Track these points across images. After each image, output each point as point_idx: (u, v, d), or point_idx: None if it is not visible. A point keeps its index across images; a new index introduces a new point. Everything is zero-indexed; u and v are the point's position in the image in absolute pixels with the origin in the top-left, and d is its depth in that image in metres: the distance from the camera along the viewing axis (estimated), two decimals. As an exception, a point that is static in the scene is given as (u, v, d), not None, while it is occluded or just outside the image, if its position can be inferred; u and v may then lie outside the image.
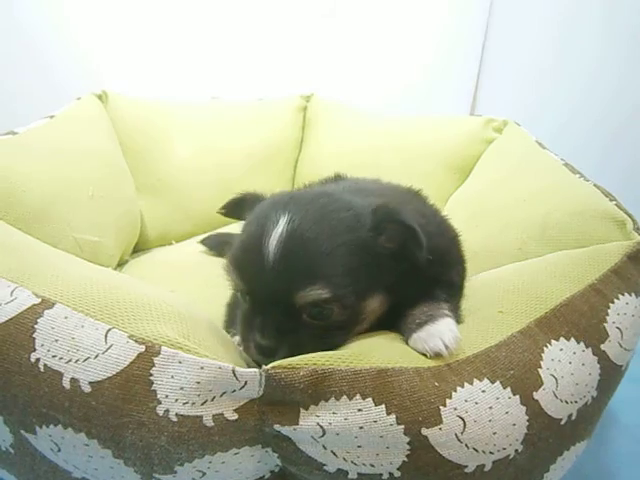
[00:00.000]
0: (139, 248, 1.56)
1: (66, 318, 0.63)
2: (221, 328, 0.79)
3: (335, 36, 2.16)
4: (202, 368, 0.58)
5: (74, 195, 1.13)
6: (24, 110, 1.52)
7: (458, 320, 0.78)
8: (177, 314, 0.67)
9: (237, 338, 0.76)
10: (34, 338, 0.61)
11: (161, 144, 1.62)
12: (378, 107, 2.04)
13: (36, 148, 1.14)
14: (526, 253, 1.07)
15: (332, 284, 0.66)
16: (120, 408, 0.58)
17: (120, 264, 1.36)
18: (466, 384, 0.64)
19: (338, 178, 1.14)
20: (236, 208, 0.87)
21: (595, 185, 1.08)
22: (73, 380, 0.59)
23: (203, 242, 1.37)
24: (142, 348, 0.60)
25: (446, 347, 0.68)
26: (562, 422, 0.69)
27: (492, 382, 0.65)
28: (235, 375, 0.58)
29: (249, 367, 0.60)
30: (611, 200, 1.00)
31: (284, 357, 0.62)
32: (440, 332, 0.70)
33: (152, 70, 1.97)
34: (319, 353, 0.62)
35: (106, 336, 0.61)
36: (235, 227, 1.67)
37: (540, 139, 1.40)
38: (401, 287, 0.75)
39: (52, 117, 1.30)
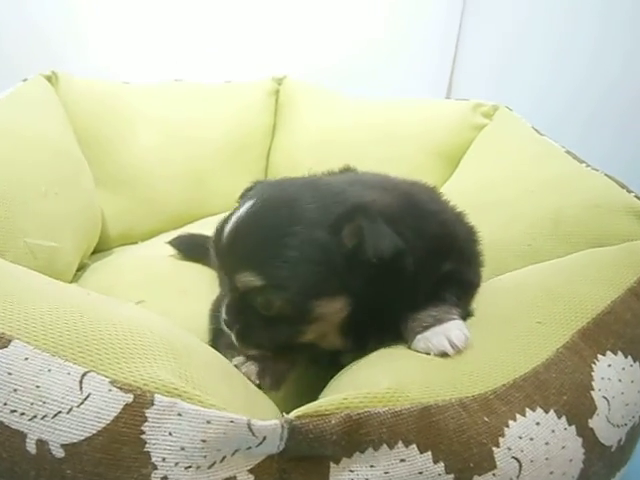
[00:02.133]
0: (99, 248, 1.39)
1: (27, 359, 0.49)
2: (222, 357, 0.66)
3: (307, 14, 2.01)
4: (209, 422, 0.46)
5: (24, 193, 0.96)
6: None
7: (465, 318, 0.72)
8: (169, 346, 0.54)
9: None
10: (-16, 389, 0.47)
11: (121, 131, 1.44)
12: (348, 90, 1.91)
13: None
14: (536, 250, 0.99)
15: (265, 273, 0.64)
16: (104, 477, 0.45)
17: (79, 268, 1.20)
18: (518, 416, 0.55)
19: (347, 170, 1.03)
20: None
21: (607, 175, 1.01)
22: (40, 442, 0.46)
23: (171, 243, 1.22)
24: (129, 397, 0.47)
25: (453, 346, 0.62)
26: (612, 449, 0.62)
27: (546, 411, 0.56)
28: (251, 429, 0.46)
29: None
30: (629, 192, 0.93)
31: (239, 334, 0.68)
32: (447, 330, 0.65)
33: (107, 49, 1.76)
34: (349, 393, 0.51)
35: (81, 382, 0.48)
36: (205, 223, 1.54)
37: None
38: (385, 292, 0.68)
39: (-6, 101, 1.12)
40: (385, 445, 0.49)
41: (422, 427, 0.51)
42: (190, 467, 0.46)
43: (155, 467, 0.46)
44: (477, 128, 1.49)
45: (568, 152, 1.16)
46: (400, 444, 0.50)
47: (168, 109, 1.56)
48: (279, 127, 1.81)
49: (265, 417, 0.48)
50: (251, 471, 0.48)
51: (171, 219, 1.52)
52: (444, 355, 0.62)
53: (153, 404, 0.47)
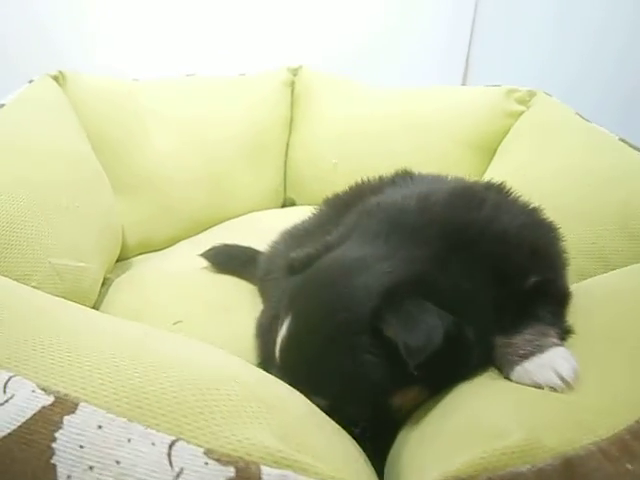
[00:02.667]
0: (118, 258, 1.31)
1: (100, 428, 0.41)
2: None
3: (320, 2, 1.91)
4: (331, 497, 0.39)
5: (44, 207, 0.86)
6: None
7: (565, 338, 0.64)
8: (260, 398, 0.46)
9: None
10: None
11: (133, 133, 1.34)
12: (362, 78, 1.82)
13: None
14: (602, 248, 0.92)
15: (329, 397, 0.60)
16: None
17: (102, 284, 1.11)
18: (659, 459, 0.48)
19: (403, 175, 0.93)
20: None
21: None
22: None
23: (205, 255, 1.12)
24: (231, 472, 0.39)
25: (562, 380, 0.55)
26: None
27: (687, 450, 0.49)
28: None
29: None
30: None
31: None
32: (552, 362, 0.57)
33: (115, 44, 1.65)
34: (485, 448, 0.43)
35: (169, 455, 0.40)
36: (225, 228, 1.45)
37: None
38: (455, 360, 0.61)
39: (1, 106, 1.02)
40: (531, 509, 0.42)
41: (567, 484, 0.43)
42: None
43: None
44: (511, 115, 1.41)
45: (622, 140, 1.08)
46: (547, 507, 0.42)
47: (181, 106, 1.47)
48: (297, 120, 1.71)
49: (366, 473, 0.41)
50: None
51: (191, 225, 1.43)
52: (553, 390, 0.54)
53: (260, 478, 0.39)
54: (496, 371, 0.63)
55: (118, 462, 0.40)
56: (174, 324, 0.92)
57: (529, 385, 0.57)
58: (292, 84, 1.71)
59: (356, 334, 0.59)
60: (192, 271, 1.09)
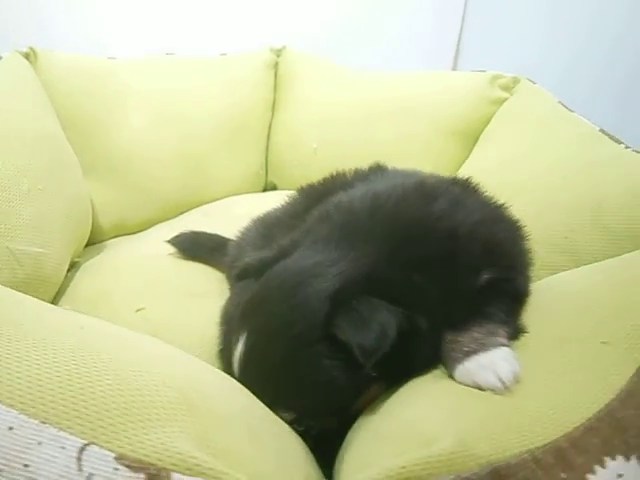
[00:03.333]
0: (91, 241, 1.29)
1: (11, 429, 0.40)
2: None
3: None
4: (242, 507, 0.38)
5: (3, 191, 0.85)
6: None
7: (516, 337, 0.64)
8: (185, 400, 0.45)
9: None
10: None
11: (108, 112, 1.31)
12: (348, 61, 1.78)
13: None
14: (573, 243, 0.91)
15: (291, 408, 0.60)
16: None
17: (70, 268, 1.09)
18: (597, 468, 0.47)
19: (377, 169, 0.93)
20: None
21: (651, 158, 0.91)
22: (32, 536, 0.37)
23: (172, 242, 1.10)
24: (141, 478, 0.38)
25: (501, 382, 0.54)
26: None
27: (627, 459, 0.48)
28: (294, 513, 0.38)
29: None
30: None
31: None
32: (493, 362, 0.57)
33: (93, 21, 1.60)
34: (410, 457, 0.42)
35: (79, 460, 0.39)
36: (203, 212, 1.43)
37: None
38: (411, 351, 0.61)
39: (-37, 85, 0.99)
40: (454, 520, 0.41)
41: (493, 493, 0.42)
42: None
43: None
44: (496, 102, 1.38)
45: (602, 131, 1.06)
46: (470, 517, 0.41)
47: (159, 86, 1.43)
48: (279, 103, 1.68)
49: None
50: None
51: (167, 207, 1.41)
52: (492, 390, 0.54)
53: (170, 486, 0.38)
54: (443, 369, 0.62)
55: (26, 465, 0.38)
56: (137, 311, 0.91)
57: (470, 385, 0.56)
58: (275, 65, 1.67)
59: (314, 344, 0.59)
60: (161, 257, 1.08)
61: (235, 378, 0.63)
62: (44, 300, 0.88)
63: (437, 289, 0.62)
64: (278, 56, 1.68)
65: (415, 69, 1.64)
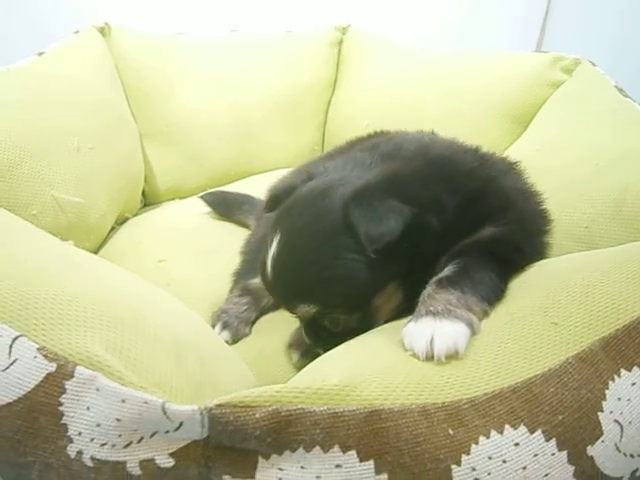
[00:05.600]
0: (149, 202, 1.43)
1: (-35, 318, 0.49)
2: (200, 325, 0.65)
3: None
4: (123, 401, 0.43)
5: (54, 148, 0.98)
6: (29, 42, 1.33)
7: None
8: (113, 316, 0.52)
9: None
10: None
11: (171, 85, 1.43)
12: (425, 44, 1.75)
13: (12, 91, 0.99)
14: (593, 234, 0.86)
15: (315, 300, 0.66)
16: (23, 444, 0.45)
17: (120, 223, 1.23)
18: (493, 432, 0.47)
19: (379, 135, 1.01)
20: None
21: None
22: (-34, 402, 0.46)
23: (203, 198, 1.21)
24: (52, 367, 0.45)
25: (428, 353, 0.53)
26: (624, 480, 0.51)
27: (531, 431, 0.47)
28: (166, 413, 0.43)
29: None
30: None
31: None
32: (436, 332, 0.55)
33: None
34: (288, 385, 0.45)
35: (11, 347, 0.47)
36: (252, 181, 1.51)
37: (619, 84, 1.12)
38: (423, 256, 0.67)
39: (41, 54, 1.15)
40: (318, 447, 0.43)
41: (366, 433, 0.44)
42: (105, 444, 0.44)
43: (71, 440, 0.44)
44: (554, 85, 1.29)
45: (655, 119, 0.97)
46: (336, 448, 0.44)
47: (222, 62, 1.53)
48: (340, 80, 1.70)
49: (227, 398, 0.44)
50: (172, 455, 0.44)
51: (220, 175, 1.51)
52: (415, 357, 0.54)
53: (74, 376, 0.45)
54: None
55: (-29, 346, 0.47)
56: (158, 262, 1.01)
57: (406, 346, 0.56)
58: (340, 43, 1.70)
59: (334, 237, 0.65)
60: (192, 216, 1.17)
61: (268, 280, 0.70)
62: (87, 248, 1.01)
63: (450, 211, 0.68)
64: (343, 34, 1.70)
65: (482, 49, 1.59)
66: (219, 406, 0.43)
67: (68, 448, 0.44)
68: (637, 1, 1.61)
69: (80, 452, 0.44)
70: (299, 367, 0.73)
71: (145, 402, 0.43)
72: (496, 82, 1.40)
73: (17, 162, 0.90)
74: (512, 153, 1.22)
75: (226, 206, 1.18)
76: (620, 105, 1.03)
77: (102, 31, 1.33)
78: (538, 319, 0.57)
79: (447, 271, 0.65)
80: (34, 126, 0.96)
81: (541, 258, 0.80)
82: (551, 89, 1.30)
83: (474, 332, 0.57)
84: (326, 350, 0.66)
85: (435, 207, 0.67)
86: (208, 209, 1.22)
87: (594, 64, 1.23)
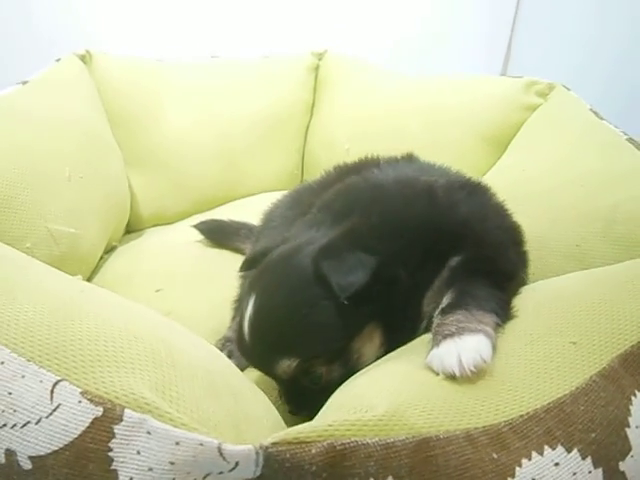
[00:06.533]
0: (132, 229, 1.40)
1: (2, 364, 0.47)
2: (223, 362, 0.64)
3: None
4: (178, 444, 0.43)
5: (46, 178, 0.95)
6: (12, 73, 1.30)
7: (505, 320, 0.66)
8: (151, 354, 0.51)
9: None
10: (-43, 392, 0.46)
11: (153, 111, 1.42)
12: (397, 66, 1.81)
13: (1, 122, 0.96)
14: (585, 252, 0.89)
15: (295, 352, 0.67)
16: (70, 494, 0.43)
17: (107, 251, 1.20)
18: (534, 454, 0.48)
19: (409, 158, 1.03)
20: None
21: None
22: (9, 452, 0.44)
23: (197, 227, 1.21)
24: (99, 411, 0.44)
25: (462, 370, 0.55)
26: (649, 492, 0.54)
27: (568, 450, 0.49)
28: (222, 454, 0.42)
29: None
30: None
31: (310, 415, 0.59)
32: (462, 349, 0.57)
33: (144, 26, 1.74)
34: (339, 417, 0.46)
35: (52, 392, 0.46)
36: (239, 206, 1.51)
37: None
38: (398, 299, 0.70)
39: (25, 83, 1.12)
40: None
41: (417, 462, 0.45)
42: (158, 489, 0.43)
43: (122, 487, 0.43)
44: (530, 109, 1.36)
45: (630, 140, 1.03)
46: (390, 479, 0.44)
47: (202, 87, 1.54)
48: (318, 105, 1.74)
49: (254, 435, 0.45)
50: (225, 496, 0.44)
51: (203, 201, 1.50)
52: (453, 378, 0.55)
53: (122, 420, 0.44)
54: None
55: (10, 393, 0.46)
56: (156, 291, 0.99)
57: (436, 370, 0.58)
58: (316, 68, 1.73)
59: (306, 288, 0.68)
60: (186, 243, 1.16)
61: (245, 342, 0.71)
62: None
63: (418, 255, 0.71)
64: (319, 59, 1.74)
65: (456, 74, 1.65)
66: (274, 444, 0.43)
67: (119, 495, 0.43)
68: (601, 26, 1.72)
69: (132, 498, 0.43)
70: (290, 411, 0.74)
71: (201, 444, 0.42)
72: (474, 106, 1.46)
73: (12, 195, 0.88)
74: (496, 175, 1.28)
75: (222, 233, 1.18)
76: (598, 127, 1.09)
77: (83, 59, 1.31)
78: (557, 339, 0.60)
79: (446, 300, 0.68)
80: (26, 157, 0.94)
81: (524, 267, 0.85)
82: (527, 112, 1.36)
83: (493, 342, 0.60)
84: (309, 412, 0.67)
85: (396, 257, 0.70)
86: (199, 237, 1.20)
87: (568, 88, 1.30)
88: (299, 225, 0.86)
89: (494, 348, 0.60)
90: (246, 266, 0.86)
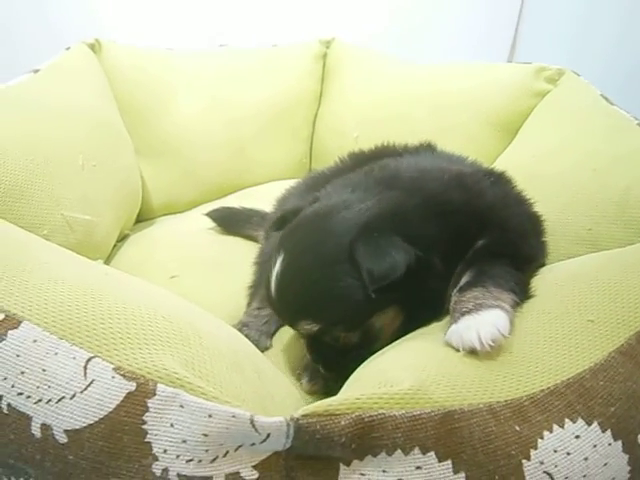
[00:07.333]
0: (143, 218, 1.41)
1: (35, 342, 0.48)
2: (242, 340, 0.66)
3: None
4: (210, 416, 0.44)
5: (61, 166, 0.96)
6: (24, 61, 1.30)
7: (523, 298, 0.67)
8: (179, 332, 0.52)
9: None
10: (-6, 368, 0.47)
11: (163, 100, 1.42)
12: (404, 54, 1.80)
13: (13, 110, 0.97)
14: (597, 235, 0.90)
15: (317, 318, 0.69)
16: (105, 465, 0.44)
17: (120, 239, 1.21)
18: (555, 427, 0.50)
19: (427, 148, 1.04)
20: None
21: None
22: (44, 426, 0.46)
23: (210, 215, 1.21)
24: (132, 386, 0.46)
25: (480, 343, 0.56)
26: (667, 466, 0.55)
27: (588, 423, 0.50)
28: (254, 426, 0.44)
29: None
30: None
31: (326, 368, 0.73)
32: (480, 324, 0.59)
33: (153, 15, 1.73)
34: (367, 392, 0.47)
35: (85, 368, 0.47)
36: (248, 194, 1.52)
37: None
38: (424, 285, 0.70)
39: (36, 71, 1.12)
40: (400, 450, 0.45)
41: (443, 434, 0.46)
42: (192, 460, 0.44)
43: (156, 458, 0.44)
44: (539, 95, 1.36)
45: (640, 124, 1.04)
46: (417, 450, 0.45)
47: (211, 76, 1.53)
48: (326, 93, 1.73)
49: (278, 412, 0.46)
50: (255, 467, 0.45)
51: (213, 190, 1.50)
52: (473, 352, 0.56)
53: (155, 394, 0.45)
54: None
55: (44, 370, 0.47)
56: (170, 278, 1.00)
57: (456, 346, 0.58)
58: (324, 56, 1.73)
59: (338, 263, 0.68)
60: (199, 231, 1.17)
61: (272, 298, 0.73)
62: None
63: (448, 245, 0.71)
64: (327, 47, 1.73)
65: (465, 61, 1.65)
66: (305, 416, 0.44)
67: (153, 466, 0.44)
68: (606, 12, 1.71)
69: (166, 470, 0.44)
70: (309, 391, 0.77)
71: (233, 416, 0.44)
72: (482, 92, 1.45)
73: (27, 183, 0.88)
74: (506, 161, 1.28)
75: (235, 220, 1.19)
76: (608, 112, 1.09)
77: (93, 48, 1.32)
78: (575, 317, 0.61)
79: (465, 279, 0.69)
80: (40, 145, 0.95)
81: (544, 256, 0.86)
82: (536, 98, 1.36)
83: (510, 317, 0.61)
84: (326, 367, 0.74)
85: (433, 243, 0.70)
86: (211, 224, 1.21)
87: (577, 74, 1.30)
88: (333, 186, 0.85)
89: (512, 323, 0.61)
90: (276, 225, 0.84)
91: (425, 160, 0.98)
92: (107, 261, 1.11)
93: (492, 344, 0.56)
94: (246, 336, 0.90)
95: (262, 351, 0.90)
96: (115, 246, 1.17)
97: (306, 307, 0.70)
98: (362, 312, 0.69)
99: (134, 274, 1.00)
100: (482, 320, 0.60)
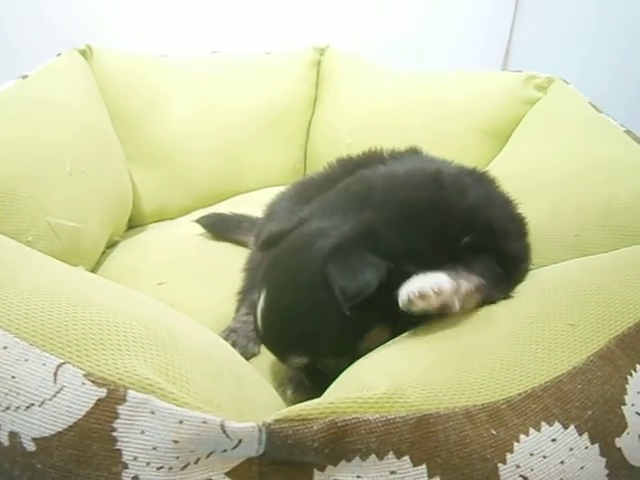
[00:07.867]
0: (134, 224, 1.41)
1: (6, 348, 0.48)
2: (223, 343, 0.65)
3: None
4: (181, 422, 0.43)
5: (48, 172, 0.96)
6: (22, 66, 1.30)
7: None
8: (153, 337, 0.51)
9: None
10: (-39, 376, 0.47)
11: (156, 106, 1.42)
12: (398, 62, 1.81)
13: (2, 116, 0.97)
14: (584, 241, 0.90)
15: (305, 351, 0.70)
16: (74, 473, 0.44)
17: (110, 246, 1.21)
18: (532, 430, 0.49)
19: (413, 152, 1.04)
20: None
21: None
22: (12, 434, 0.45)
23: (200, 222, 1.21)
24: (103, 392, 0.45)
25: (421, 292, 0.60)
26: (645, 470, 0.54)
27: (565, 427, 0.50)
28: (225, 431, 0.43)
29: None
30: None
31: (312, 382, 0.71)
32: (418, 280, 0.62)
33: (148, 22, 1.74)
34: (341, 396, 0.47)
35: (55, 375, 0.46)
36: (240, 201, 1.51)
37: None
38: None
39: (25, 77, 1.13)
40: (374, 455, 0.45)
41: (417, 438, 0.46)
42: (162, 468, 0.43)
43: (126, 466, 0.44)
44: (529, 102, 1.37)
45: (628, 132, 1.04)
46: (391, 455, 0.45)
47: (205, 82, 1.53)
48: (320, 100, 1.74)
49: (257, 417, 0.45)
50: (228, 474, 0.44)
51: (205, 196, 1.50)
52: (425, 300, 0.59)
53: (126, 400, 0.45)
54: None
55: (13, 377, 0.46)
56: (158, 284, 1.00)
57: (407, 302, 0.61)
58: (318, 63, 1.73)
59: (315, 292, 0.67)
60: (188, 237, 1.17)
61: (260, 334, 0.73)
62: (81, 271, 0.99)
63: (427, 249, 0.70)
64: (321, 55, 1.74)
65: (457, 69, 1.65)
66: (277, 421, 0.44)
67: (123, 474, 0.43)
68: (603, 21, 1.72)
69: (136, 477, 0.43)
70: (293, 401, 0.74)
71: (204, 422, 0.43)
72: (475, 100, 1.46)
73: (13, 188, 0.88)
74: (496, 168, 1.28)
75: (225, 226, 1.19)
76: (597, 120, 1.10)
77: (84, 54, 1.32)
78: (556, 321, 0.61)
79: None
80: (27, 151, 0.95)
81: (528, 258, 0.86)
82: (526, 106, 1.37)
83: (455, 280, 0.62)
84: (311, 379, 0.73)
85: (411, 255, 0.68)
86: (201, 231, 1.21)
87: (566, 82, 1.31)
88: (315, 205, 0.84)
89: (469, 293, 0.64)
90: (262, 247, 0.84)
91: (406, 165, 0.97)
92: (96, 267, 1.10)
93: (417, 295, 0.59)
94: (234, 342, 0.90)
95: (250, 357, 0.90)
96: (104, 252, 1.17)
97: (292, 343, 0.70)
98: (348, 338, 0.68)
99: (123, 281, 1.01)
100: (422, 278, 0.61)
